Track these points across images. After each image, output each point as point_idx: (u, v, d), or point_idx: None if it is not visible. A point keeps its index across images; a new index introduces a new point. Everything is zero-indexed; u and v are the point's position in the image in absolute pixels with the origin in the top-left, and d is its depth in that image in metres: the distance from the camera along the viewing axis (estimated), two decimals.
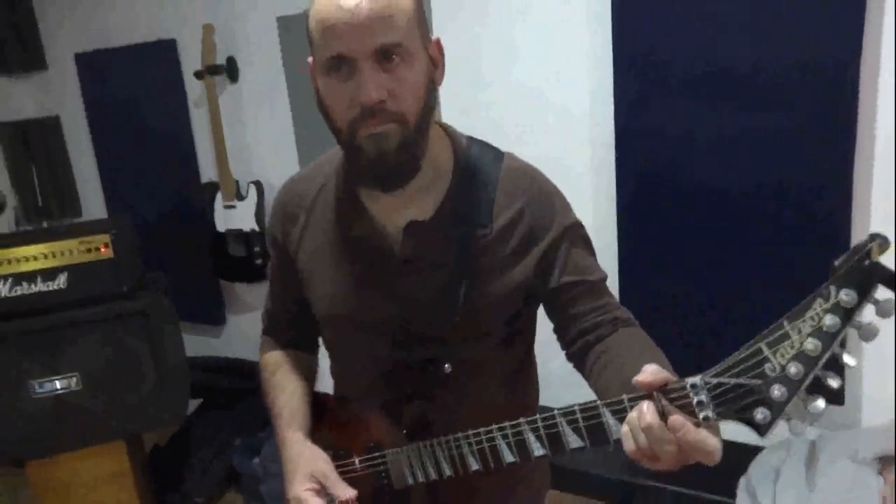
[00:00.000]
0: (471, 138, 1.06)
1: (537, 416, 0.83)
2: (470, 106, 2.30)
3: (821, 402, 0.63)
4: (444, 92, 2.36)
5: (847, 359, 0.61)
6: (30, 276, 2.24)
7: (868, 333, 0.60)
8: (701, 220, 1.94)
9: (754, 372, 0.64)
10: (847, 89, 1.69)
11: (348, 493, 0.96)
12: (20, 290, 2.23)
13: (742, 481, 1.82)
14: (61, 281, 2.26)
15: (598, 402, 0.76)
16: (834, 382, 0.62)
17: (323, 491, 0.98)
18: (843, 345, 0.62)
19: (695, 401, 0.67)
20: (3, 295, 2.21)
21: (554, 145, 2.18)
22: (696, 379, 0.67)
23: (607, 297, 1.01)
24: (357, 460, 1.05)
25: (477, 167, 1.02)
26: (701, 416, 0.67)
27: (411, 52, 0.87)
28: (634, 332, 0.97)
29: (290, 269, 1.10)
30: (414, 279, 1.00)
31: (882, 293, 0.59)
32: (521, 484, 1.14)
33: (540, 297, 1.01)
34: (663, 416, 0.68)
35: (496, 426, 0.87)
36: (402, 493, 1.02)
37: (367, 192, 1.01)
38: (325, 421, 1.12)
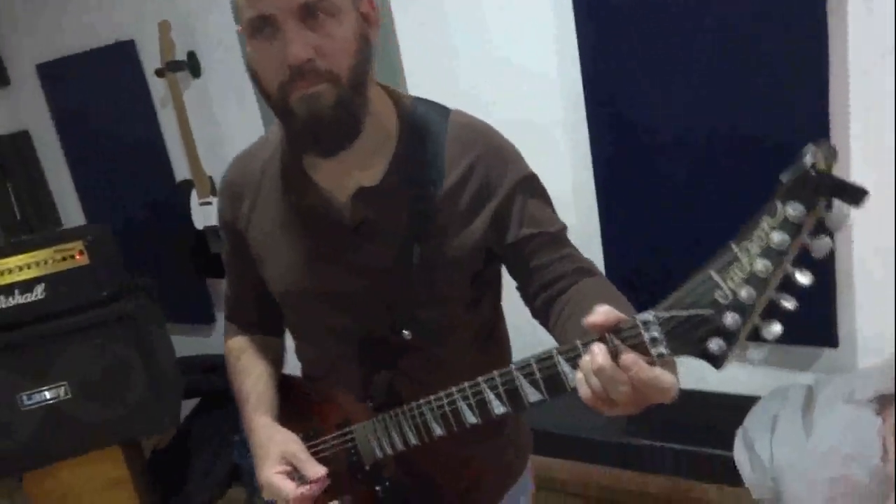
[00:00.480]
0: (415, 98, 1.02)
1: (494, 372, 0.80)
2: (440, 76, 2.25)
3: (777, 327, 0.60)
4: (413, 63, 2.32)
5: (800, 277, 0.58)
6: (7, 290, 2.21)
7: (820, 248, 0.56)
8: (679, 168, 1.90)
9: (706, 301, 0.61)
10: (818, 26, 1.65)
11: (318, 471, 0.93)
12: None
13: (739, 433, 1.79)
14: (39, 292, 2.23)
15: (553, 350, 0.73)
16: (789, 304, 0.59)
17: (294, 472, 0.95)
18: (796, 263, 0.59)
19: (647, 338, 0.64)
20: None
21: (526, 108, 2.14)
22: (648, 315, 0.64)
23: (568, 248, 0.97)
24: (327, 438, 1.02)
25: (423, 126, 0.98)
26: (654, 352, 0.63)
27: (338, 6, 0.83)
28: (598, 281, 0.94)
29: (244, 249, 1.06)
30: (367, 247, 0.97)
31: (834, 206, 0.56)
32: (498, 449, 1.11)
33: (499, 253, 0.98)
34: (616, 356, 0.64)
35: (455, 388, 0.84)
36: (374, 467, 0.99)
37: (310, 160, 0.98)
38: (294, 403, 1.09)
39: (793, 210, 0.56)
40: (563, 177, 2.14)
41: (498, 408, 0.80)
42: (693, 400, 2.01)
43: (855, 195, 0.54)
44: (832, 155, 0.56)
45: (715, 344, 0.60)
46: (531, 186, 0.98)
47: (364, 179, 0.95)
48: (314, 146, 0.91)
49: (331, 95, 0.85)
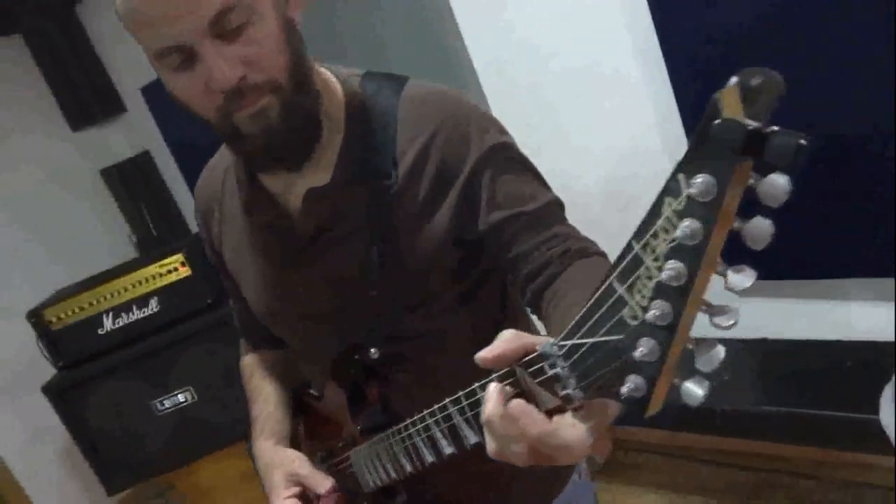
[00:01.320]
0: (367, 73, 0.88)
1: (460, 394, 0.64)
2: (496, 28, 2.05)
3: (719, 353, 0.41)
4: (465, 16, 2.13)
5: (734, 279, 0.38)
6: (126, 307, 2.38)
7: (756, 234, 0.37)
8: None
9: (612, 322, 0.43)
10: None
11: (325, 484, 0.86)
12: (121, 322, 2.38)
13: (887, 392, 1.47)
14: (153, 305, 2.38)
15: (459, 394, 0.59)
16: (726, 320, 0.39)
17: (305, 493, 0.89)
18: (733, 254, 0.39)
19: (550, 374, 0.47)
20: (109, 328, 2.38)
21: (596, 58, 1.88)
22: (547, 344, 0.47)
23: (556, 227, 0.79)
24: (333, 462, 0.95)
25: (372, 107, 0.84)
26: (562, 394, 0.46)
27: (249, 5, 0.70)
28: (591, 264, 0.75)
29: (225, 268, 1.00)
30: (328, 257, 0.86)
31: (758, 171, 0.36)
32: None
33: (473, 242, 0.82)
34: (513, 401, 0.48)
35: (434, 407, 0.68)
36: (380, 494, 0.89)
37: None
38: (310, 421, 1.03)
39: (699, 185, 0.37)
40: (646, 122, 1.86)
41: (447, 448, 0.66)
42: (830, 352, 1.70)
43: (785, 148, 0.34)
44: (759, 89, 0.36)
45: (632, 383, 0.42)
46: (501, 158, 0.81)
47: (314, 180, 0.84)
48: (276, 164, 0.81)
49: (276, 105, 0.74)
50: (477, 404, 0.57)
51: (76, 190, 3.49)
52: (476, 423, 0.60)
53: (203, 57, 0.69)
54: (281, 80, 0.74)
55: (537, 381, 0.48)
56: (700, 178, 0.36)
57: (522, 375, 0.49)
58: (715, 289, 0.40)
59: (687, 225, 0.37)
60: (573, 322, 0.45)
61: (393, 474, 0.82)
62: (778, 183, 0.35)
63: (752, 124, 0.34)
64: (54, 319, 2.36)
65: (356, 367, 0.87)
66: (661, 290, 0.40)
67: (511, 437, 0.48)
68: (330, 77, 0.87)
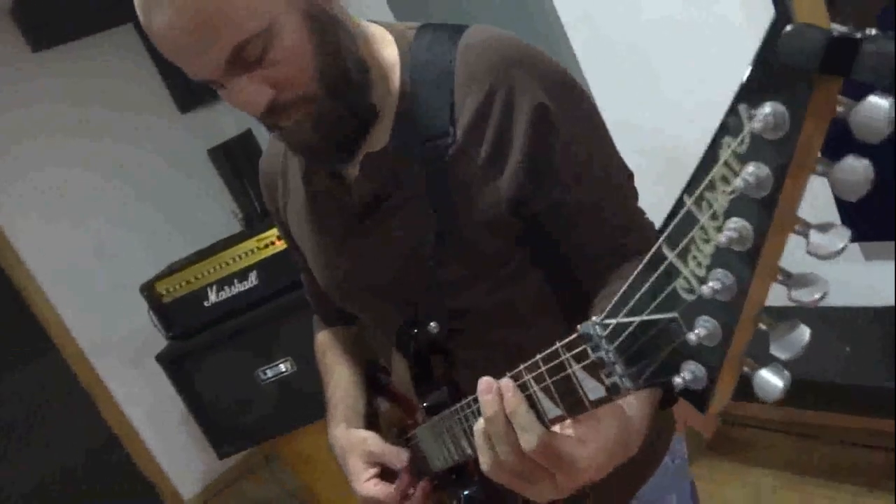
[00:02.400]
0: (423, 26, 0.82)
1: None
2: None
3: (801, 333, 0.32)
4: None
5: (818, 240, 0.29)
6: (228, 281, 2.47)
7: (848, 180, 0.27)
8: None
9: (663, 296, 0.35)
10: None
11: (401, 459, 0.83)
12: (224, 295, 2.47)
13: None
14: (253, 278, 2.45)
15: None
16: (806, 294, 0.30)
17: (385, 470, 0.86)
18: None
19: (593, 358, 0.39)
20: (213, 301, 2.48)
21: (696, 4, 1.71)
22: (588, 324, 0.39)
23: (622, 215, 0.75)
24: (406, 439, 0.91)
25: (428, 60, 0.78)
26: (608, 382, 0.39)
27: (266, 28, 0.66)
28: None
29: (293, 241, 0.98)
30: (385, 224, 0.81)
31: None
32: None
33: (534, 211, 0.75)
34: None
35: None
36: (450, 474, 0.85)
37: None
38: (384, 398, 1.00)
39: (765, 117, 0.28)
40: None
41: None
42: None
43: (884, 58, 0.24)
44: None
45: (689, 373, 0.34)
46: (570, 116, 0.73)
47: (371, 144, 0.79)
48: (329, 162, 0.80)
49: (309, 118, 0.72)
50: (558, 369, 0.49)
51: (186, 169, 3.68)
52: (555, 392, 0.54)
53: (228, 90, 0.69)
54: (312, 90, 0.70)
55: (581, 365, 0.41)
56: (767, 109, 0.28)
57: (528, 379, 0.43)
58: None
59: (752, 171, 0.29)
60: (617, 297, 0.38)
61: (455, 456, 0.76)
62: (878, 108, 0.25)
63: (838, 29, 0.25)
64: (164, 292, 2.49)
65: (418, 342, 0.82)
66: (721, 257, 0.31)
67: (505, 441, 0.44)
68: (385, 35, 0.81)
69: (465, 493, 0.85)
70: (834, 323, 1.92)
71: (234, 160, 3.65)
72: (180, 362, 2.48)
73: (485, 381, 0.51)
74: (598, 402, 0.40)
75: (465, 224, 0.75)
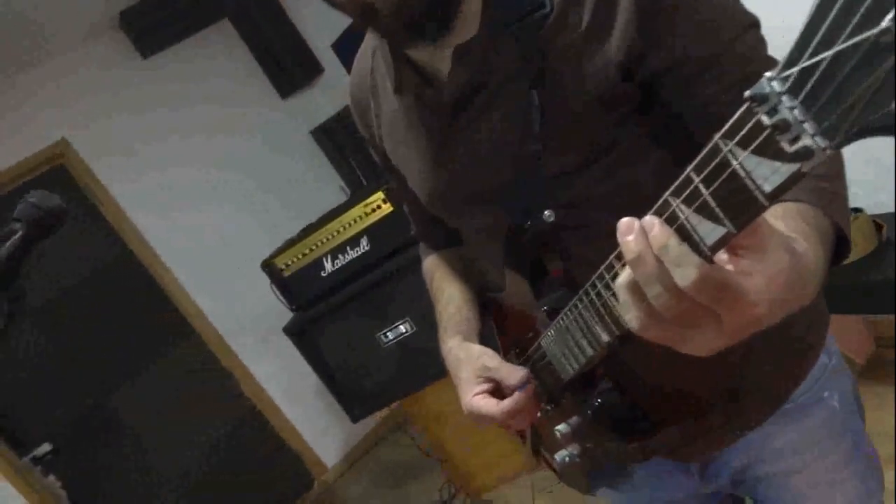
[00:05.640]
0: None
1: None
2: None
3: None
4: None
5: None
6: (341, 249, 2.50)
7: None
8: None
9: (863, 10, 0.26)
10: None
11: (517, 375, 0.77)
12: (339, 263, 2.51)
13: None
14: (364, 244, 2.47)
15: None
16: None
17: (497, 387, 0.81)
18: None
19: (771, 123, 0.31)
20: (330, 270, 2.53)
21: None
22: (762, 82, 0.31)
23: (754, 64, 0.62)
24: (528, 356, 0.85)
25: None
26: (793, 149, 0.30)
27: None
28: None
29: (391, 164, 0.94)
30: (484, 118, 0.75)
31: None
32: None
33: (646, 80, 0.66)
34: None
35: (598, 273, 0.57)
36: (580, 384, 0.78)
37: None
38: (498, 318, 0.94)
39: None
40: None
41: None
42: None
43: None
44: None
45: None
46: None
47: (461, 37, 0.73)
48: (419, 36, 0.72)
49: None
50: (717, 172, 0.41)
51: (292, 151, 3.78)
52: (715, 206, 0.47)
53: None
54: None
55: (752, 147, 0.32)
56: None
57: (676, 206, 0.35)
58: None
59: None
60: (796, 39, 0.29)
61: (589, 350, 0.69)
62: None
63: None
64: (284, 266, 2.57)
65: (532, 239, 0.75)
66: None
67: (653, 278, 0.37)
68: None
69: (598, 401, 0.78)
70: None
71: (336, 137, 3.72)
72: (306, 332, 2.55)
73: (624, 222, 0.43)
74: (778, 192, 0.32)
75: (573, 101, 0.68)
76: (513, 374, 0.77)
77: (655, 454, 0.76)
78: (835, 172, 0.61)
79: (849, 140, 0.28)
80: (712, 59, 0.64)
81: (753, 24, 0.66)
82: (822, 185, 0.57)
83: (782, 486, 0.80)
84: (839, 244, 0.56)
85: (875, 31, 0.26)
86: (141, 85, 3.42)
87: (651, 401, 0.75)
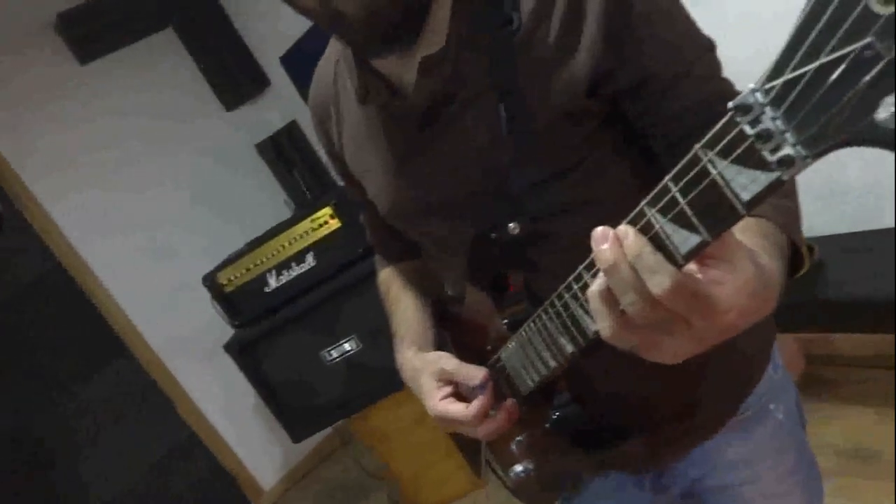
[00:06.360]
0: None
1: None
2: None
3: None
4: None
5: None
6: (286, 265, 2.46)
7: None
8: None
9: (847, 24, 0.27)
10: None
11: (477, 376, 0.76)
12: (284, 279, 2.46)
13: None
14: (310, 260, 2.44)
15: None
16: None
17: (457, 389, 0.80)
18: None
19: (753, 133, 0.32)
20: (274, 286, 2.47)
21: None
22: (744, 93, 0.32)
23: (713, 84, 0.67)
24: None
25: None
26: (775, 158, 0.31)
27: None
28: None
29: (350, 175, 0.93)
30: (451, 131, 0.75)
31: None
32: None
33: (611, 94, 0.68)
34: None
35: (566, 284, 0.58)
36: (539, 397, 0.78)
37: None
38: (455, 329, 0.94)
39: None
40: None
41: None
42: None
43: None
44: None
45: (893, 106, 0.27)
46: None
47: (428, 48, 0.73)
48: (387, 45, 0.73)
49: None
50: (696, 181, 0.43)
51: (237, 165, 3.71)
52: (691, 215, 0.48)
53: None
54: None
55: (732, 157, 0.33)
56: None
57: (651, 215, 0.36)
58: None
59: None
60: (780, 52, 0.30)
61: (552, 362, 0.69)
62: None
63: None
64: (226, 282, 2.50)
65: (496, 251, 0.75)
66: None
67: (629, 285, 0.38)
68: None
69: (556, 413, 0.78)
70: None
71: (282, 152, 3.66)
72: (247, 350, 2.48)
73: (599, 231, 0.44)
74: (756, 201, 0.33)
75: (540, 115, 0.69)
76: (472, 374, 0.77)
77: (612, 467, 0.77)
78: (790, 189, 0.63)
79: (829, 150, 0.30)
80: (675, 80, 0.66)
81: (711, 47, 0.69)
82: (779, 201, 0.59)
83: (734, 497, 0.82)
84: (794, 258, 0.58)
85: (859, 44, 0.27)
86: (78, 93, 3.29)
87: (609, 413, 0.76)
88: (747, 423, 0.81)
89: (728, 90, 0.69)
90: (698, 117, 0.65)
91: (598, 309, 0.46)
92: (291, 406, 2.53)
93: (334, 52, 0.88)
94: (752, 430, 0.81)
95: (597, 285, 0.45)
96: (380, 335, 2.40)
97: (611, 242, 0.43)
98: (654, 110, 0.67)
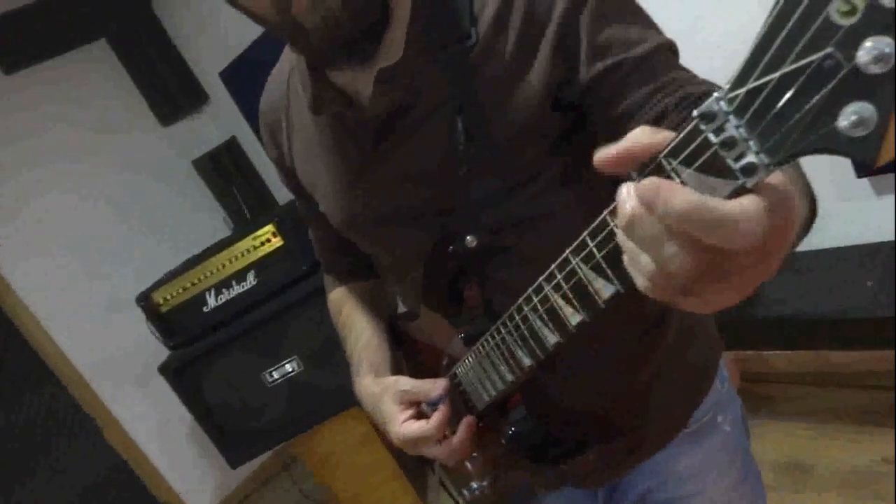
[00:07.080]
0: None
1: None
2: None
3: None
4: None
5: None
6: (226, 284, 2.38)
7: None
8: None
9: (809, 35, 0.29)
10: None
11: (436, 390, 0.75)
12: (223, 298, 2.39)
13: None
14: (251, 279, 2.37)
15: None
16: None
17: (419, 409, 0.78)
18: None
19: (718, 141, 0.33)
20: (213, 306, 2.40)
21: None
22: (708, 101, 0.33)
23: (672, 73, 0.64)
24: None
25: None
26: (738, 165, 0.32)
27: None
28: None
29: (301, 188, 0.91)
30: (407, 143, 0.74)
31: None
32: (665, 360, 0.81)
33: (574, 101, 0.69)
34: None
35: (552, 267, 0.56)
36: (494, 412, 0.78)
37: None
38: (410, 348, 0.93)
39: None
40: None
41: (573, 316, 0.54)
42: None
43: None
44: None
45: (853, 115, 0.28)
46: None
47: (385, 60, 0.73)
48: (345, 57, 0.72)
49: None
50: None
51: (172, 182, 3.60)
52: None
53: None
54: None
55: (702, 159, 0.34)
56: None
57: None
58: None
59: None
60: (743, 62, 0.31)
61: (509, 376, 0.69)
62: None
63: None
64: (162, 301, 2.41)
65: (452, 264, 0.75)
66: None
67: (658, 237, 0.35)
68: None
69: (512, 429, 0.78)
70: (852, 260, 1.88)
71: (221, 168, 3.58)
72: (183, 371, 2.39)
73: (624, 186, 0.40)
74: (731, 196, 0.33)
75: (497, 128, 0.69)
76: (431, 389, 0.76)
77: (566, 482, 0.77)
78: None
79: (791, 158, 0.31)
80: (627, 67, 0.65)
81: (670, 46, 0.68)
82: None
83: None
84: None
85: (820, 55, 0.28)
86: (2, 104, 3.14)
87: (563, 427, 0.77)
88: (697, 435, 0.82)
89: (673, 82, 0.64)
90: (650, 112, 0.63)
91: (632, 262, 0.40)
92: (229, 430, 2.44)
93: (287, 61, 0.86)
94: (701, 442, 0.82)
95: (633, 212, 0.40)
96: (323, 356, 2.35)
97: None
98: (609, 112, 0.66)
